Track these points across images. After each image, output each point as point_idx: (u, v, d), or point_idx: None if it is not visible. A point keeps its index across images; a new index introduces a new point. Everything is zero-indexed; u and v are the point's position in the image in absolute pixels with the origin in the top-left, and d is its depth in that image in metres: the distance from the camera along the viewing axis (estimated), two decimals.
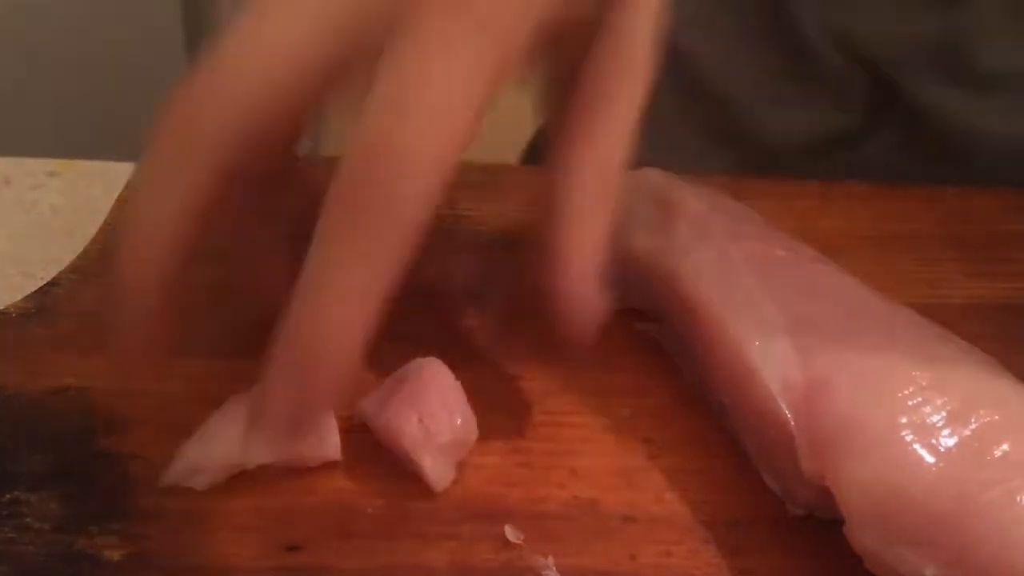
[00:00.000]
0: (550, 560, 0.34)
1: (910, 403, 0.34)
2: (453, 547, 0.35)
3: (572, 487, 0.37)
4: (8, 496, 0.35)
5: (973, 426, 0.33)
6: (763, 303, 0.38)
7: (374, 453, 0.37)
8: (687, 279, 0.40)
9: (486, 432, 0.38)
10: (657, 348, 0.42)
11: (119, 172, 0.51)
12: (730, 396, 0.38)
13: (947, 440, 0.33)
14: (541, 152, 0.37)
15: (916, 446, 0.33)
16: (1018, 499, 0.31)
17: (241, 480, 0.36)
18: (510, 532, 0.35)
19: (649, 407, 0.40)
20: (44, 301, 0.42)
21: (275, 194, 0.33)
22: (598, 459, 0.38)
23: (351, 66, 0.29)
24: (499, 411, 0.39)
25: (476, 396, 0.37)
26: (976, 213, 0.49)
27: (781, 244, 0.40)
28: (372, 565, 0.34)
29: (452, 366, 0.37)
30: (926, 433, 0.33)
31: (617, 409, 0.40)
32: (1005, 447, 0.32)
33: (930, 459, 0.32)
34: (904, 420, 0.33)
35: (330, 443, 0.36)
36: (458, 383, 0.36)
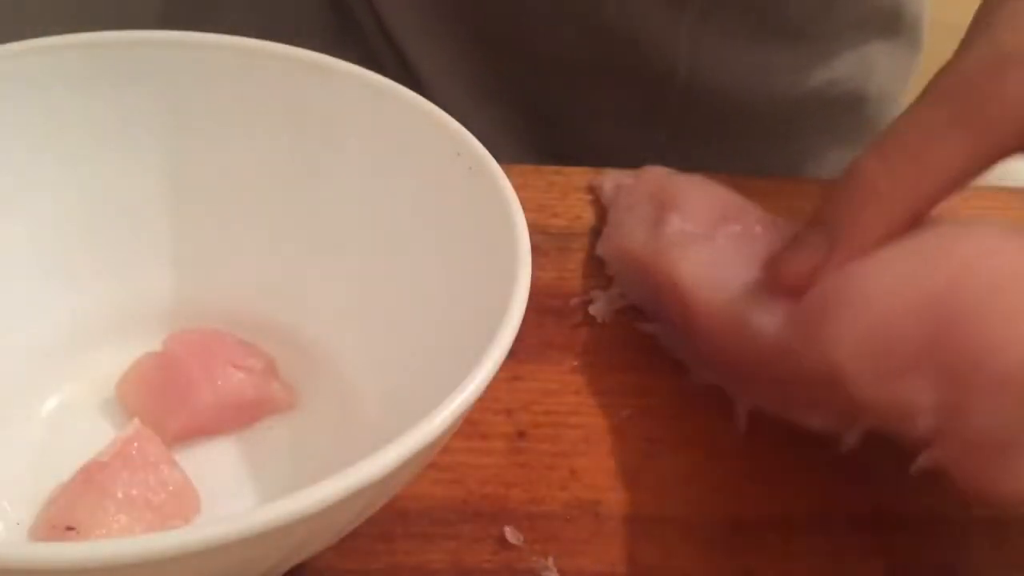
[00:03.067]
0: (550, 561, 0.34)
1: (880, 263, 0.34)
2: (453, 547, 0.35)
3: (572, 488, 0.37)
4: None
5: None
6: (750, 272, 0.38)
7: None
8: (673, 267, 0.40)
9: (486, 432, 0.38)
10: (657, 348, 0.42)
11: None
12: (731, 369, 0.38)
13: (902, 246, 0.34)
14: None
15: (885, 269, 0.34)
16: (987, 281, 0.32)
17: None
18: (510, 533, 0.35)
19: (649, 407, 0.40)
20: None
21: None
22: (598, 459, 0.38)
23: None
24: (499, 411, 0.39)
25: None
26: (974, 212, 0.49)
27: (760, 222, 0.41)
28: (372, 566, 0.34)
29: None
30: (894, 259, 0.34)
31: (617, 409, 0.39)
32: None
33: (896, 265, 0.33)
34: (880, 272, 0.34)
35: None
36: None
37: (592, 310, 0.43)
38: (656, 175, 0.46)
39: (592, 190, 0.48)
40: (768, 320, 0.36)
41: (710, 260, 0.39)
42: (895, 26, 0.61)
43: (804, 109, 0.60)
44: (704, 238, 0.40)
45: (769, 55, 0.57)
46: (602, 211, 0.47)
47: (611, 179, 0.48)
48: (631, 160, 0.49)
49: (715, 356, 0.39)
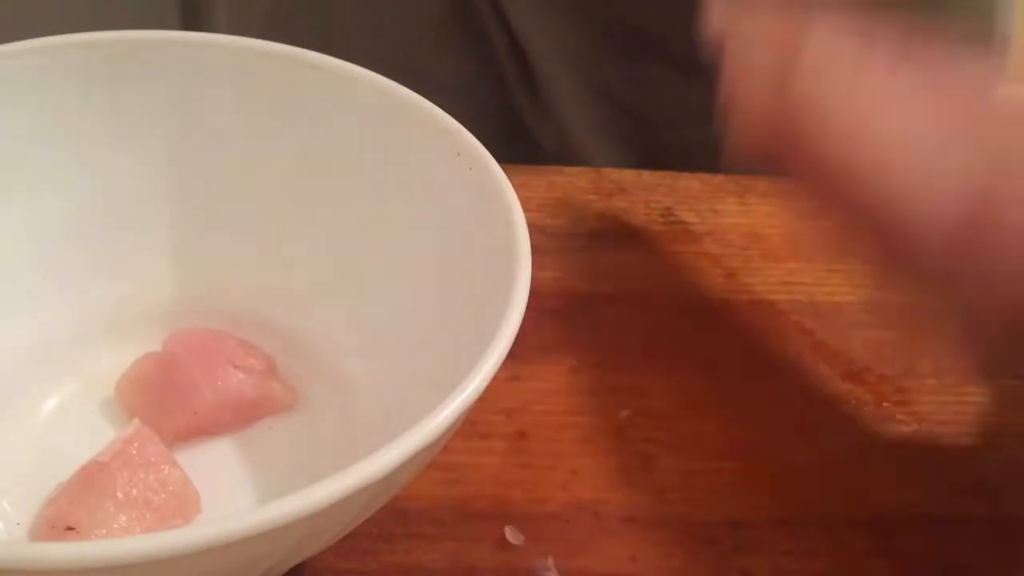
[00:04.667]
0: (550, 561, 0.34)
1: None
2: (453, 547, 0.35)
3: (572, 487, 0.37)
4: None
5: None
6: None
7: None
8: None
9: (486, 432, 0.38)
10: (656, 348, 0.42)
11: None
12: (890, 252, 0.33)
13: None
14: None
15: None
16: None
17: None
18: (510, 533, 0.35)
19: (649, 407, 0.40)
20: None
21: None
22: (598, 459, 0.38)
23: None
24: (499, 411, 0.39)
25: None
26: None
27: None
28: (372, 566, 0.34)
29: None
30: None
31: (617, 409, 0.39)
32: None
33: None
34: None
35: None
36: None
37: None
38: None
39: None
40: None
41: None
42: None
43: None
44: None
45: None
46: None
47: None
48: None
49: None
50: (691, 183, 0.50)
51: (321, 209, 0.39)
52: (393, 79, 0.37)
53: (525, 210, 0.33)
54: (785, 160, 0.36)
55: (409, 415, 0.27)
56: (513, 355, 0.29)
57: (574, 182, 0.49)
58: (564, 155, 0.58)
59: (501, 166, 0.34)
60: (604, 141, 0.60)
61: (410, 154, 0.37)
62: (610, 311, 0.43)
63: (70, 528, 0.32)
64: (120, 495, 0.32)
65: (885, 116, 0.32)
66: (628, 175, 0.50)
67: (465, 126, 0.36)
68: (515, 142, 0.60)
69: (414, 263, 0.37)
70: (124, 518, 0.32)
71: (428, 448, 0.27)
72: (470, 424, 0.38)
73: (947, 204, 0.29)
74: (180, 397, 0.36)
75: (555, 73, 0.59)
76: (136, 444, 0.33)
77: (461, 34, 0.59)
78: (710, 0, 0.38)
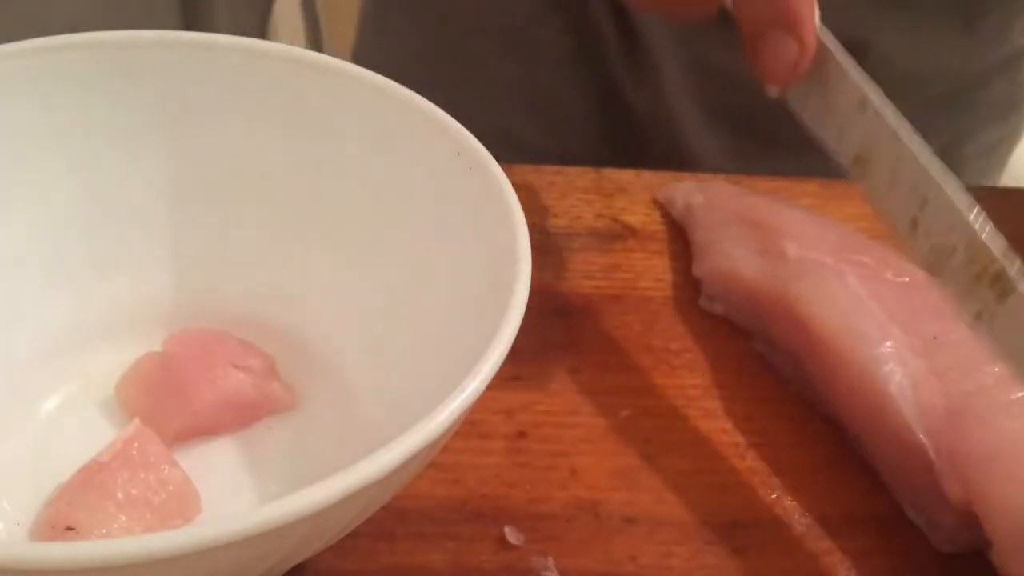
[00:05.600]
0: (550, 561, 0.34)
1: None
2: (453, 547, 0.35)
3: (572, 488, 0.37)
4: None
5: None
6: (889, 328, 0.37)
7: None
8: (803, 303, 0.39)
9: (486, 432, 0.38)
10: (655, 348, 0.42)
11: None
12: (862, 424, 0.37)
13: None
14: None
15: None
16: None
17: None
18: (510, 533, 0.35)
19: (649, 407, 0.40)
20: None
21: None
22: (598, 459, 0.38)
23: None
24: (499, 411, 0.39)
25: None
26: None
27: (892, 267, 0.40)
28: (372, 566, 0.34)
29: None
30: None
31: (617, 409, 0.39)
32: None
33: None
34: None
35: None
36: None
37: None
38: (727, 192, 0.46)
39: (659, 203, 0.48)
40: (916, 413, 0.35)
41: (845, 306, 0.38)
42: None
43: (968, 87, 0.60)
44: (831, 271, 0.39)
45: (946, 35, 0.57)
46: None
47: (681, 194, 0.47)
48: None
49: (834, 402, 0.38)
50: (691, 183, 0.50)
51: (321, 209, 0.39)
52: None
53: (525, 210, 0.33)
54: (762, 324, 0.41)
55: (409, 415, 0.27)
56: (513, 355, 0.29)
57: (574, 182, 0.49)
58: (658, 121, 0.58)
59: (501, 166, 0.34)
60: (702, 109, 0.60)
61: (410, 154, 0.37)
62: (610, 311, 0.43)
63: (70, 528, 0.32)
64: (120, 495, 0.32)
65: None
66: (628, 175, 0.50)
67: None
68: (608, 107, 0.60)
69: (414, 263, 0.37)
70: (124, 518, 0.32)
71: (428, 448, 0.27)
72: (470, 424, 0.38)
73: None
74: (180, 397, 0.36)
75: (658, 40, 0.59)
76: (136, 444, 0.33)
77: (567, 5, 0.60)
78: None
